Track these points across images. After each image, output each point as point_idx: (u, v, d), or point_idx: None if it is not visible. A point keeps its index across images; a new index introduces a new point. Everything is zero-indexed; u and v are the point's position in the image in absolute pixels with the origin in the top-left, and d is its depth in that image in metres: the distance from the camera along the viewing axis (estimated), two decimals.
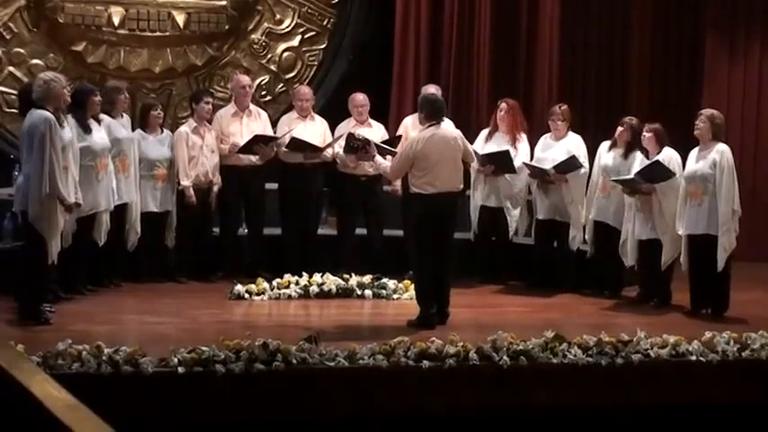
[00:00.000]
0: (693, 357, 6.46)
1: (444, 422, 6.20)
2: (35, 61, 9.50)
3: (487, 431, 6.32)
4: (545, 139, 8.96)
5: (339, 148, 8.75)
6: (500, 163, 8.83)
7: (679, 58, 10.99)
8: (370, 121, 9.15)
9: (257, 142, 8.77)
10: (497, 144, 8.93)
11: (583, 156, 8.75)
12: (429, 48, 10.35)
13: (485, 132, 9.09)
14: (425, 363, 6.08)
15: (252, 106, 9.12)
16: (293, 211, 9.02)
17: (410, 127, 8.74)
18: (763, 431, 6.64)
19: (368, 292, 8.37)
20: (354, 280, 8.46)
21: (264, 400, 5.94)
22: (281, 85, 10.23)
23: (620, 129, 8.45)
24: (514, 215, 8.96)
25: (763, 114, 10.87)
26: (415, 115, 8.03)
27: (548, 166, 8.73)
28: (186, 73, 9.94)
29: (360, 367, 6.02)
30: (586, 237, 8.68)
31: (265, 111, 9.41)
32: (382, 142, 8.24)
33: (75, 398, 3.13)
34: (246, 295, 8.18)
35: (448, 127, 7.78)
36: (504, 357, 6.18)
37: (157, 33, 9.76)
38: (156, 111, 8.72)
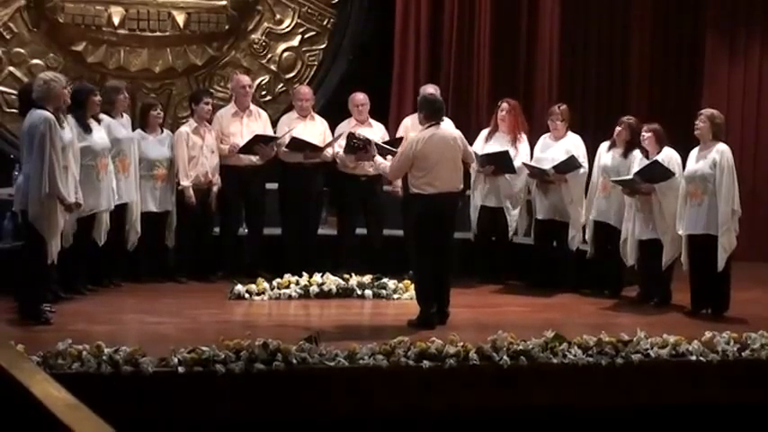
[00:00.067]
0: (693, 357, 6.46)
1: (444, 422, 6.20)
2: (35, 61, 9.51)
3: (487, 431, 6.32)
4: (544, 139, 8.96)
5: (339, 148, 8.75)
6: (500, 163, 8.83)
7: (679, 58, 10.99)
8: (371, 120, 9.15)
9: (257, 142, 8.77)
10: (497, 144, 8.93)
11: (582, 156, 8.75)
12: (429, 48, 10.35)
13: (485, 132, 9.09)
14: (425, 363, 6.08)
15: (252, 106, 9.12)
16: (293, 211, 9.02)
17: (410, 127, 8.74)
18: (764, 431, 6.64)
19: (368, 292, 8.37)
20: (354, 280, 8.46)
21: (264, 400, 5.94)
22: (281, 84, 10.23)
23: (618, 128, 8.45)
24: (514, 215, 8.96)
25: (763, 114, 10.87)
26: (415, 115, 8.03)
27: (547, 166, 8.73)
28: (186, 73, 9.94)
29: (360, 367, 6.02)
30: (586, 237, 8.68)
31: (265, 111, 9.41)
32: (383, 143, 8.24)
33: (76, 397, 3.13)
34: (246, 295, 8.18)
35: (448, 127, 7.79)
36: (505, 357, 6.18)
37: (157, 33, 9.76)
38: (155, 111, 8.71)
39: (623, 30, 10.82)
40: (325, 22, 10.31)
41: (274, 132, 9.03)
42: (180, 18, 9.79)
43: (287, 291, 8.29)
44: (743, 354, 6.56)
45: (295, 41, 10.26)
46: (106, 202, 7.86)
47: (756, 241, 10.40)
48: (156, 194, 8.59)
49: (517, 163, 8.82)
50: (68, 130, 7.12)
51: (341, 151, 8.66)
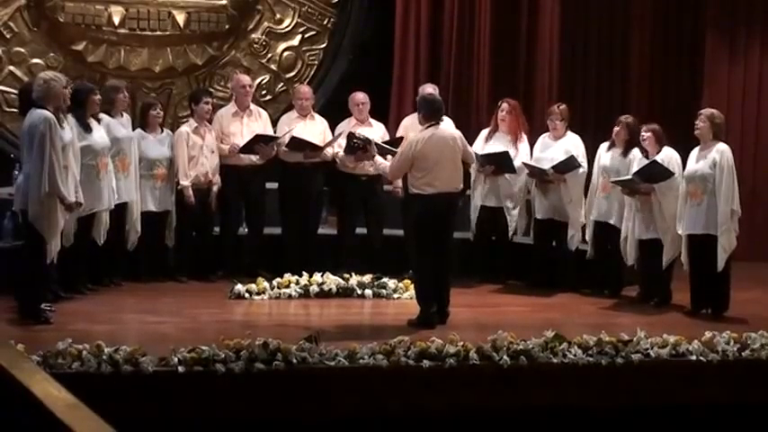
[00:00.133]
0: (693, 357, 6.46)
1: (444, 422, 6.20)
2: (35, 60, 9.51)
3: (487, 431, 6.32)
4: (543, 139, 8.96)
5: (339, 147, 8.75)
6: (500, 163, 8.84)
7: (679, 58, 10.99)
8: (371, 120, 9.15)
9: (258, 142, 8.77)
10: (498, 144, 8.93)
11: (581, 155, 8.76)
12: (429, 48, 10.36)
13: (485, 132, 9.09)
14: (426, 362, 6.08)
15: (252, 106, 9.12)
16: (293, 210, 9.02)
17: (410, 127, 8.73)
18: (764, 431, 6.64)
19: (368, 292, 8.37)
20: (354, 279, 8.46)
21: (264, 400, 5.93)
22: (282, 84, 10.23)
23: (616, 128, 8.46)
24: (514, 215, 8.96)
25: (763, 114, 10.87)
26: (415, 115, 8.03)
27: (546, 165, 8.73)
28: (186, 72, 9.95)
29: (360, 367, 6.02)
30: (587, 237, 8.68)
31: (266, 110, 9.41)
32: (383, 142, 8.24)
33: (76, 397, 3.13)
34: (247, 295, 8.18)
35: (448, 127, 7.79)
36: (505, 357, 6.18)
37: (158, 33, 9.76)
38: (155, 110, 8.71)
39: (623, 30, 10.82)
40: (325, 22, 10.31)
41: (274, 132, 9.03)
42: (180, 17, 9.79)
43: (287, 290, 8.29)
44: (743, 354, 6.56)
45: (295, 41, 10.26)
46: (106, 202, 7.86)
47: (756, 241, 10.41)
48: (156, 194, 8.59)
49: (517, 163, 8.82)
50: (68, 130, 7.12)
51: (341, 151, 8.66)
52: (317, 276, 8.43)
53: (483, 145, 8.96)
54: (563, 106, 8.95)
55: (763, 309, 7.97)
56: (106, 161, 7.86)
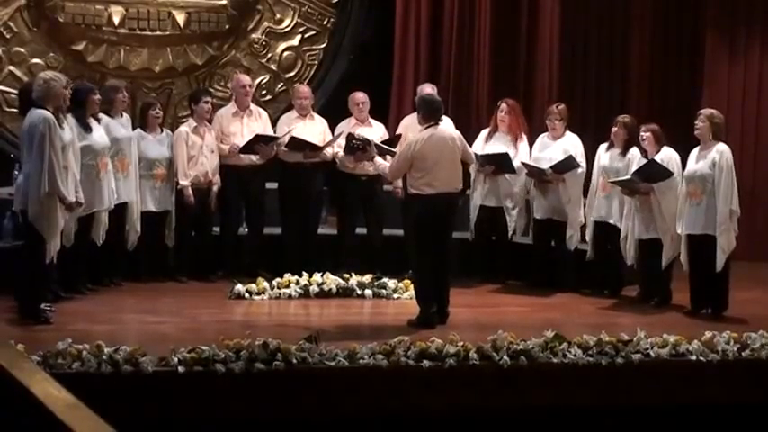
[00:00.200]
0: (693, 357, 6.46)
1: (444, 422, 6.20)
2: (35, 60, 9.51)
3: (487, 431, 6.32)
4: (542, 139, 8.96)
5: (339, 148, 8.75)
6: (500, 164, 8.84)
7: (679, 58, 10.99)
8: (371, 120, 9.15)
9: (258, 142, 8.77)
10: (498, 144, 8.93)
11: (580, 155, 8.76)
12: (429, 48, 10.36)
13: (485, 132, 9.09)
14: (426, 362, 6.08)
15: (252, 106, 9.12)
16: (293, 210, 9.02)
17: (409, 127, 8.73)
18: (764, 431, 6.64)
19: (368, 292, 8.37)
20: (354, 279, 8.46)
21: (264, 400, 5.93)
22: (282, 84, 10.23)
23: (614, 128, 8.46)
24: (514, 215, 8.97)
25: (763, 114, 10.87)
26: (415, 115, 8.02)
27: (545, 165, 8.73)
28: (186, 72, 9.95)
29: (360, 367, 6.02)
30: (587, 238, 8.68)
31: (266, 110, 9.41)
32: (382, 142, 8.24)
33: (76, 397, 3.13)
34: (246, 295, 8.18)
35: (447, 127, 7.79)
36: (505, 357, 6.18)
37: (158, 33, 9.76)
38: (154, 110, 8.71)
39: (623, 30, 10.82)
40: (325, 22, 10.31)
41: (274, 132, 9.03)
42: (180, 17, 9.79)
43: (287, 290, 8.29)
44: (743, 354, 6.56)
45: (295, 41, 10.27)
46: (106, 202, 7.86)
47: (756, 241, 10.41)
48: (156, 194, 8.58)
49: (517, 162, 8.83)
50: (68, 130, 7.12)
51: (341, 151, 8.66)
52: (317, 276, 8.43)
53: (483, 145, 8.96)
54: (562, 106, 8.95)
55: (762, 309, 7.96)
56: (106, 161, 7.86)
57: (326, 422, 6.03)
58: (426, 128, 7.36)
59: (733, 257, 7.83)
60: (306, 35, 10.28)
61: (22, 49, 9.51)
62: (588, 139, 9.01)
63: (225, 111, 9.05)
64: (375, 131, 8.91)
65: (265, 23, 10.16)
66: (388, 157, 7.78)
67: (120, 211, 8.18)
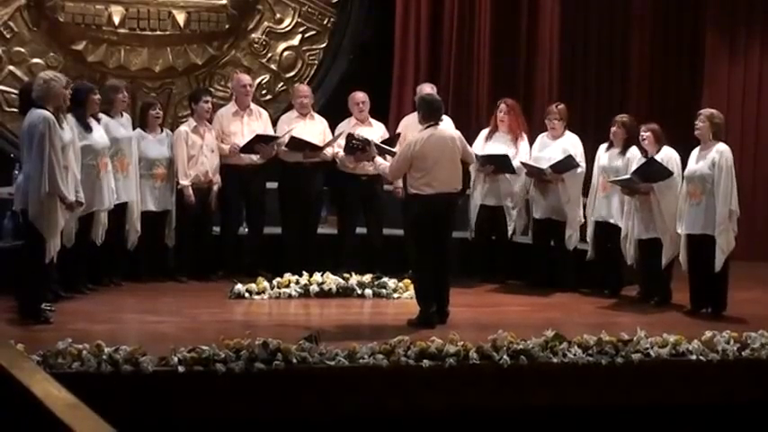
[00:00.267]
0: (693, 357, 6.46)
1: (444, 421, 6.20)
2: (35, 60, 9.51)
3: (487, 431, 6.32)
4: (542, 139, 8.97)
5: (339, 147, 8.75)
6: (499, 165, 8.84)
7: (679, 58, 10.99)
8: (371, 120, 9.15)
9: (258, 141, 8.77)
10: (498, 144, 8.94)
11: (579, 155, 8.76)
12: (429, 48, 10.36)
13: (485, 132, 9.09)
14: (426, 362, 6.08)
15: (252, 105, 9.12)
16: (293, 210, 9.02)
17: (409, 127, 8.73)
18: (763, 431, 6.64)
19: (368, 292, 8.37)
20: (354, 279, 8.46)
21: (264, 400, 5.93)
22: (282, 84, 10.23)
23: (613, 128, 8.48)
24: (514, 214, 8.97)
25: (763, 114, 10.87)
26: (415, 114, 8.03)
27: (544, 165, 8.73)
28: (186, 72, 9.95)
29: (360, 366, 6.02)
30: (587, 238, 8.68)
31: (266, 110, 9.41)
32: (382, 141, 8.24)
33: (76, 397, 3.13)
34: (247, 294, 8.18)
35: (447, 127, 7.79)
36: (505, 357, 6.18)
37: (158, 32, 9.76)
38: (154, 110, 8.71)
39: (623, 30, 10.82)
40: (325, 22, 10.31)
41: (274, 131, 9.03)
42: (180, 17, 9.79)
43: (287, 290, 8.29)
44: (743, 353, 6.56)
45: (295, 41, 10.27)
46: (106, 202, 7.86)
47: (756, 241, 10.41)
48: (156, 194, 8.59)
49: (516, 162, 8.83)
50: (68, 130, 7.12)
51: (341, 151, 8.66)
52: (317, 276, 8.43)
53: (483, 145, 8.97)
54: (561, 106, 8.96)
55: (762, 308, 7.96)
56: (106, 161, 7.86)
57: (326, 422, 6.02)
58: (426, 128, 7.36)
59: (733, 257, 7.83)
60: (306, 35, 10.28)
61: (22, 49, 9.51)
62: (588, 139, 9.01)
63: (225, 110, 9.05)
64: (375, 131, 8.91)
65: (265, 23, 10.16)
66: (388, 156, 7.78)
67: (120, 211, 8.18)
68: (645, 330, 6.61)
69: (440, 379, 6.10)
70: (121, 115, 8.39)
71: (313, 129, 9.08)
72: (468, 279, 8.77)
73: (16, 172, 7.88)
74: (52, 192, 6.81)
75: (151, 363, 5.75)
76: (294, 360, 5.93)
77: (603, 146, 8.62)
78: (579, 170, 8.71)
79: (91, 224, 7.84)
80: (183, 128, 8.78)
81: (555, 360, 6.26)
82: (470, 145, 8.10)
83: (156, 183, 8.58)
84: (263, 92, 10.12)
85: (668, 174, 8.00)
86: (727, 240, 7.66)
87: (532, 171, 8.80)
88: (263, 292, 8.24)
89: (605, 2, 10.80)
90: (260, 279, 8.34)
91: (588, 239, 8.66)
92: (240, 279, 8.37)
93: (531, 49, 10.52)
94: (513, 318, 7.57)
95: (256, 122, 9.00)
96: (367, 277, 8.51)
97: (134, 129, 8.50)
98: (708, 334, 6.62)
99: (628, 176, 8.15)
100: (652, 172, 8.03)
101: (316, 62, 10.31)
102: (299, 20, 10.23)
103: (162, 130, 8.77)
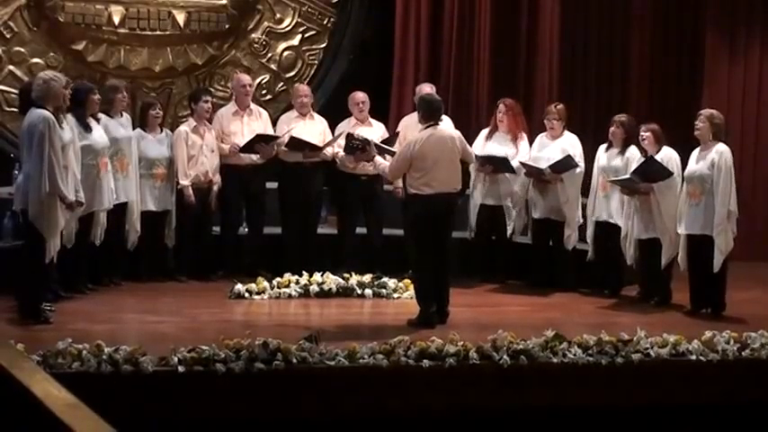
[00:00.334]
0: (693, 357, 6.46)
1: (444, 421, 6.20)
2: (35, 60, 9.50)
3: (487, 431, 6.32)
4: (541, 139, 8.97)
5: (339, 147, 8.75)
6: (499, 165, 8.85)
7: (679, 58, 10.98)
8: (371, 120, 9.15)
9: (258, 141, 8.77)
10: (498, 144, 8.94)
11: (578, 155, 8.76)
12: (429, 48, 10.36)
13: (485, 132, 9.10)
14: (426, 362, 6.08)
15: (252, 105, 9.12)
16: (293, 210, 9.02)
17: (409, 126, 8.73)
18: (763, 431, 6.64)
19: (368, 292, 8.37)
20: (354, 279, 8.46)
21: (264, 400, 5.93)
22: (282, 84, 10.23)
23: (612, 128, 8.48)
24: (513, 214, 8.97)
25: (763, 114, 10.87)
26: (415, 114, 8.03)
27: (543, 165, 8.73)
28: (186, 72, 9.94)
29: (360, 366, 6.02)
30: (587, 238, 8.67)
31: (266, 110, 9.41)
32: (382, 141, 8.24)
33: (76, 397, 3.13)
34: (247, 294, 8.18)
35: (447, 127, 7.79)
36: (505, 357, 6.18)
37: (158, 32, 9.76)
38: (154, 110, 8.70)
39: (623, 30, 10.81)
40: (325, 22, 10.31)
41: (274, 131, 9.03)
42: (180, 17, 9.79)
43: (287, 290, 8.29)
44: (743, 353, 6.56)
45: (295, 41, 10.26)
46: (106, 202, 7.86)
47: (756, 241, 10.40)
48: (156, 194, 8.58)
49: (516, 162, 8.83)
50: (68, 130, 7.12)
51: (341, 151, 8.66)
52: (317, 276, 8.43)
53: (483, 145, 8.97)
54: (560, 106, 8.96)
55: (762, 308, 7.96)
56: (106, 161, 7.87)
57: (326, 422, 6.02)
58: (426, 127, 7.36)
59: (733, 257, 7.83)
60: (306, 35, 10.27)
61: (22, 49, 9.51)
62: (588, 140, 9.01)
63: (225, 110, 9.05)
64: (375, 131, 8.91)
65: (265, 23, 10.16)
66: (388, 156, 7.78)
67: (119, 211, 8.18)
68: (645, 330, 6.61)
69: (440, 379, 6.10)
70: (121, 115, 8.39)
71: (313, 129, 9.08)
72: (468, 279, 8.77)
73: (16, 172, 7.88)
74: (52, 191, 6.82)
75: (151, 363, 5.75)
76: (294, 360, 5.93)
77: (603, 146, 8.62)
78: (578, 170, 8.71)
79: (91, 224, 7.84)
80: (183, 128, 8.78)
81: (555, 360, 6.26)
82: (470, 145, 8.10)
83: (155, 183, 8.58)
84: (263, 92, 10.12)
85: (668, 174, 8.00)
86: (725, 241, 7.66)
87: (531, 171, 8.80)
88: (263, 292, 8.24)
89: (605, 2, 10.79)
90: (260, 279, 8.34)
91: (588, 240, 8.66)
92: (240, 279, 8.37)
93: (531, 49, 10.52)
94: (513, 318, 7.57)
95: (256, 122, 9.00)
96: (367, 277, 8.51)
97: (134, 129, 8.50)
98: (708, 334, 6.62)
99: (628, 176, 8.15)
100: (652, 172, 8.03)
101: (316, 62, 10.31)
102: (299, 20, 10.23)
103: (162, 130, 8.77)
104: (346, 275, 8.49)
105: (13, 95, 9.02)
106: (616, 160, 8.42)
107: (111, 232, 8.07)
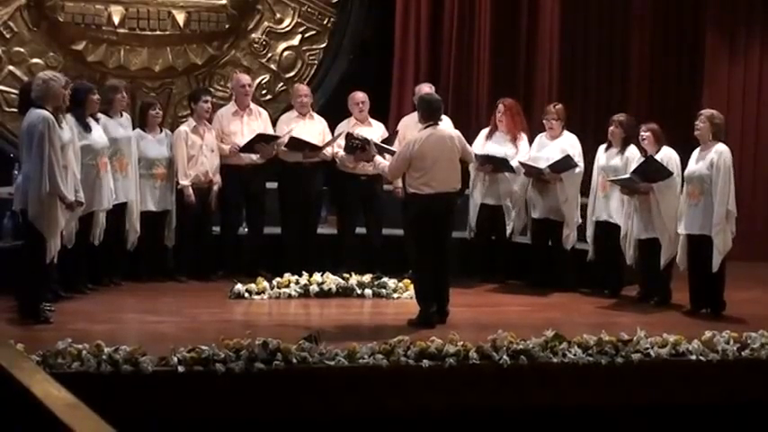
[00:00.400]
0: (693, 357, 6.46)
1: (444, 422, 6.20)
2: (35, 60, 9.50)
3: (487, 431, 6.32)
4: (540, 139, 8.97)
5: (339, 147, 8.75)
6: (499, 165, 8.85)
7: (679, 58, 10.98)
8: (371, 120, 9.15)
9: (258, 141, 8.77)
10: (497, 143, 8.95)
11: (578, 155, 8.76)
12: (429, 48, 10.36)
13: (485, 132, 9.10)
14: (425, 362, 6.08)
15: (252, 105, 9.12)
16: (293, 210, 9.02)
17: (409, 126, 8.72)
18: (764, 431, 6.63)
19: (368, 292, 8.37)
20: (354, 279, 8.46)
21: (264, 400, 5.93)
22: (282, 84, 10.23)
23: (611, 128, 8.48)
24: (513, 214, 8.97)
25: (763, 114, 10.87)
26: (415, 114, 8.03)
27: (542, 165, 8.73)
28: (186, 72, 9.94)
29: (360, 366, 6.02)
30: (588, 238, 8.67)
31: (266, 110, 9.41)
32: (381, 141, 8.24)
33: (75, 397, 3.13)
34: (246, 294, 8.18)
35: (446, 127, 7.79)
36: (505, 357, 6.18)
37: (157, 32, 9.76)
38: (154, 110, 8.70)
39: (623, 30, 10.81)
40: (325, 22, 10.31)
41: (274, 131, 9.03)
42: (180, 17, 9.79)
43: (287, 290, 8.29)
44: (743, 353, 6.56)
45: (295, 41, 10.26)
46: (105, 202, 7.86)
47: (755, 241, 10.39)
48: (156, 194, 8.58)
49: (515, 162, 8.83)
50: (67, 130, 7.12)
51: (341, 151, 8.66)
52: (317, 276, 8.43)
53: (483, 144, 8.97)
54: (559, 106, 8.96)
55: (762, 308, 7.96)
56: (106, 161, 7.87)
57: (326, 422, 6.02)
58: (425, 127, 7.36)
59: (732, 257, 7.83)
60: (306, 35, 10.27)
61: (22, 49, 9.51)
62: (588, 140, 9.01)
63: (225, 110, 9.05)
64: (375, 131, 8.90)
65: (265, 23, 10.16)
66: (388, 156, 7.78)
67: (119, 211, 8.18)
68: (645, 330, 6.61)
69: (440, 379, 6.10)
70: (121, 115, 8.39)
71: (313, 129, 9.08)
72: (467, 279, 8.77)
73: (16, 172, 7.88)
74: (52, 191, 6.82)
75: (151, 363, 5.75)
76: (294, 360, 5.93)
77: (603, 146, 8.62)
78: (577, 170, 8.71)
79: (91, 224, 7.84)
80: (183, 128, 8.78)
81: (555, 360, 6.26)
82: (470, 144, 8.10)
83: (155, 183, 8.58)
84: (263, 92, 10.12)
85: (668, 174, 8.00)
86: (723, 241, 7.66)
87: (530, 171, 8.81)
88: (263, 292, 8.24)
89: (605, 2, 10.79)
90: (260, 279, 8.34)
91: (588, 240, 8.65)
92: (240, 279, 8.37)
93: (531, 49, 10.52)
94: (513, 318, 7.57)
95: (256, 122, 9.00)
96: (367, 277, 8.51)
97: (134, 129, 8.50)
98: (708, 334, 6.62)
99: (627, 176, 8.15)
100: (651, 171, 8.03)
101: (316, 62, 10.31)
102: (299, 20, 10.23)
103: (161, 130, 8.76)
104: (346, 275, 8.49)
105: (13, 95, 9.01)
106: (615, 160, 8.42)
107: (110, 232, 8.07)
